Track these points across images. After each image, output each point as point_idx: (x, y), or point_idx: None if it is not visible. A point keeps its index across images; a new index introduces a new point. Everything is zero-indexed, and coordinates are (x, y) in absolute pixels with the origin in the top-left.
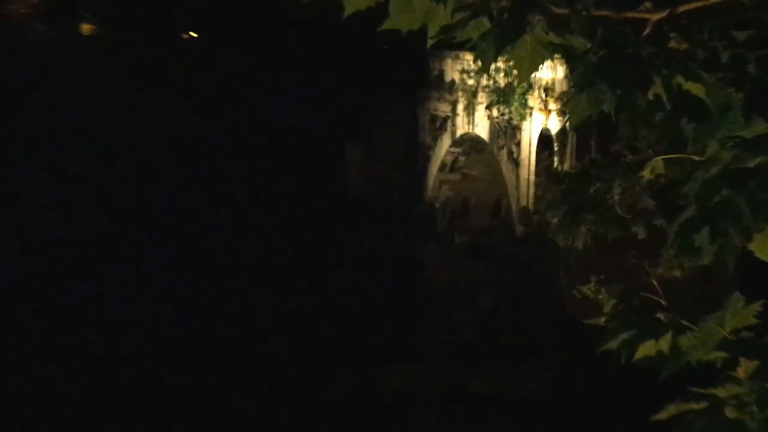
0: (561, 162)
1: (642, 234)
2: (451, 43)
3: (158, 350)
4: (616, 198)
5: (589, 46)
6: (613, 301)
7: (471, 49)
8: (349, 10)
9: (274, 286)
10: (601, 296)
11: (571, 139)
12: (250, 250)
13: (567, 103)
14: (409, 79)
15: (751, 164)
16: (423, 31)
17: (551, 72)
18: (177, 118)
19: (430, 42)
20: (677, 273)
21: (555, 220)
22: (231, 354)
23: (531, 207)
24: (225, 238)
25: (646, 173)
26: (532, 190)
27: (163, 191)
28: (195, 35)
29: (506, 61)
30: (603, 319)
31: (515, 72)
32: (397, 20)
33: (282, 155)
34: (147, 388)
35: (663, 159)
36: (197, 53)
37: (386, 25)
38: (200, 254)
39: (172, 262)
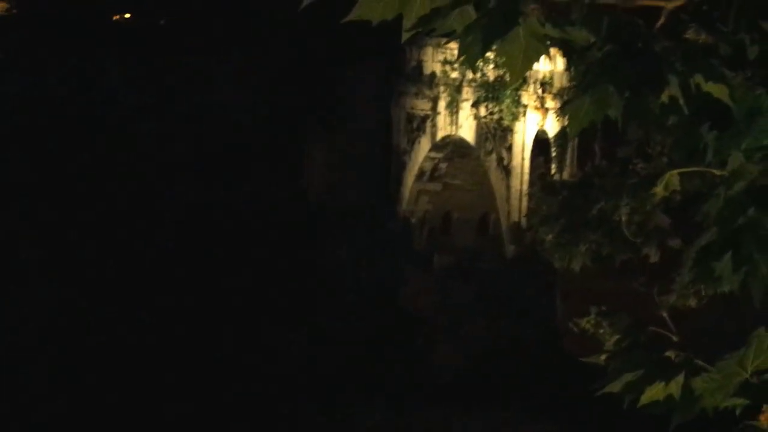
0: (560, 170)
1: (654, 257)
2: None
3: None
4: (623, 218)
5: (592, 40)
6: (616, 337)
7: (456, 38)
8: None
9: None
10: (602, 331)
11: (572, 143)
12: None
13: (567, 106)
14: (380, 71)
15: None
16: (397, 18)
17: (549, 64)
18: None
19: (405, 35)
20: (692, 303)
21: (549, 236)
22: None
23: (524, 223)
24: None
25: (659, 190)
26: (525, 202)
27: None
28: (128, 16)
29: (496, 55)
30: (603, 357)
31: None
32: (367, 8)
33: (224, 152)
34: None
35: (679, 173)
36: (131, 37)
37: (354, 14)
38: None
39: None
